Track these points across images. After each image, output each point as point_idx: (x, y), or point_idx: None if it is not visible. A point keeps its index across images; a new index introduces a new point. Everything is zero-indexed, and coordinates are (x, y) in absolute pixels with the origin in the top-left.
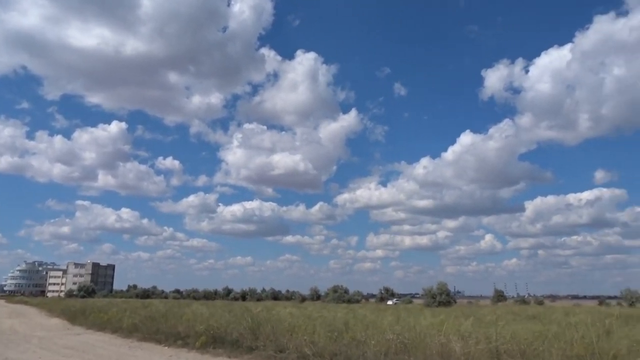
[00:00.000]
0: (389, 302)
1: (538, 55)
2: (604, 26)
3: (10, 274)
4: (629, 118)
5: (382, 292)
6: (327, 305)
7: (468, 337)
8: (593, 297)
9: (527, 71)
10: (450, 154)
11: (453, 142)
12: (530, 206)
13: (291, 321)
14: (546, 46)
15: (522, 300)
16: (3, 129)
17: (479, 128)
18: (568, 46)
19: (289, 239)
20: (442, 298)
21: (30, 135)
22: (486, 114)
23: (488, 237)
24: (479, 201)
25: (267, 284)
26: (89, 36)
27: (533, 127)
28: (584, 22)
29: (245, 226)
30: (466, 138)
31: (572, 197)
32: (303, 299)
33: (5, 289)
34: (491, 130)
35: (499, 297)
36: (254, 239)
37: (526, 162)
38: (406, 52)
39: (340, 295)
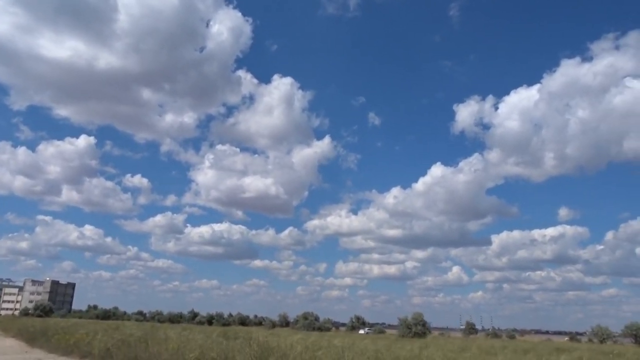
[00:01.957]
0: (361, 332)
1: (507, 93)
2: (570, 70)
3: None
4: (591, 159)
5: (354, 320)
6: (303, 333)
7: None
8: (556, 333)
9: (496, 108)
10: (420, 185)
11: (424, 173)
12: (497, 240)
13: (304, 352)
14: (515, 85)
15: (494, 334)
16: None
17: (450, 161)
18: (536, 86)
19: (257, 263)
20: (418, 329)
21: None
22: (457, 148)
23: (455, 269)
24: (448, 233)
25: (233, 308)
26: (61, 48)
27: (501, 163)
28: (552, 64)
29: (213, 248)
30: (437, 170)
31: (536, 233)
32: (273, 325)
33: None
34: (461, 164)
35: (470, 329)
36: (221, 262)
37: (494, 196)
38: (381, 83)
39: (311, 323)
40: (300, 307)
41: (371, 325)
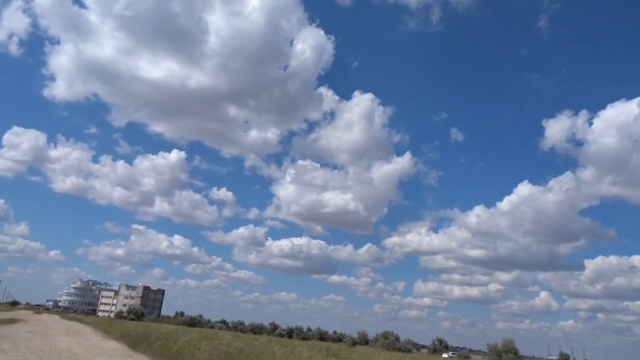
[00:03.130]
0: (445, 355)
1: (603, 107)
2: None
3: (65, 291)
4: None
5: (436, 343)
6: (387, 353)
7: None
8: None
9: (591, 123)
10: (505, 204)
11: (509, 192)
12: (591, 265)
13: None
14: (612, 99)
15: None
16: (71, 152)
17: (538, 179)
18: (636, 100)
19: (335, 278)
20: (509, 357)
21: (95, 159)
22: (546, 165)
23: (543, 294)
24: (535, 256)
25: (310, 322)
26: (157, 68)
27: (596, 182)
28: None
29: (292, 262)
30: (524, 189)
31: (637, 259)
32: (353, 342)
33: (59, 304)
34: (551, 183)
35: None
36: (299, 275)
37: (587, 218)
38: (465, 98)
39: (391, 342)
40: (377, 325)
41: (454, 349)
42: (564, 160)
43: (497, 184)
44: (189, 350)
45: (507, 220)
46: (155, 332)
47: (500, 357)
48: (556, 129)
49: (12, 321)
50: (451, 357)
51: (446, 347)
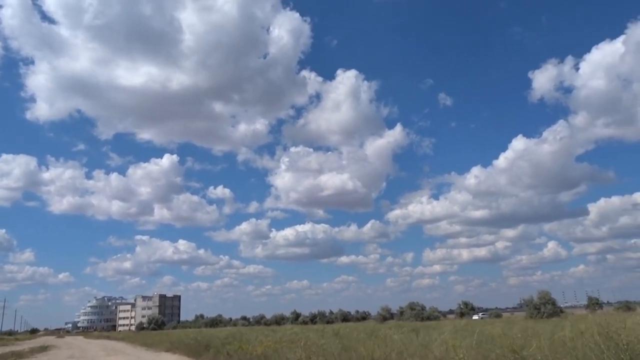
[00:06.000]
0: (475, 317)
1: (588, 51)
2: None
3: (82, 311)
4: None
5: (462, 307)
6: (411, 324)
7: None
8: None
9: (577, 69)
10: (502, 161)
11: (504, 148)
12: (594, 209)
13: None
14: (596, 41)
15: (627, 307)
16: (64, 172)
17: (531, 132)
18: (620, 38)
19: (344, 259)
20: (548, 309)
21: (88, 175)
22: (537, 117)
23: (551, 244)
24: (538, 208)
25: (326, 306)
26: (136, 75)
27: (589, 126)
28: (636, 11)
29: (299, 250)
30: (518, 143)
31: (639, 196)
32: (384, 317)
33: (78, 325)
34: (545, 133)
35: (594, 304)
36: (308, 262)
37: (585, 163)
38: (448, 61)
39: (419, 313)
40: (392, 298)
41: (483, 311)
42: (554, 109)
43: (491, 142)
44: (277, 350)
45: (505, 176)
46: (213, 338)
47: (538, 310)
48: (543, 79)
49: (44, 349)
50: (482, 318)
51: (473, 309)
